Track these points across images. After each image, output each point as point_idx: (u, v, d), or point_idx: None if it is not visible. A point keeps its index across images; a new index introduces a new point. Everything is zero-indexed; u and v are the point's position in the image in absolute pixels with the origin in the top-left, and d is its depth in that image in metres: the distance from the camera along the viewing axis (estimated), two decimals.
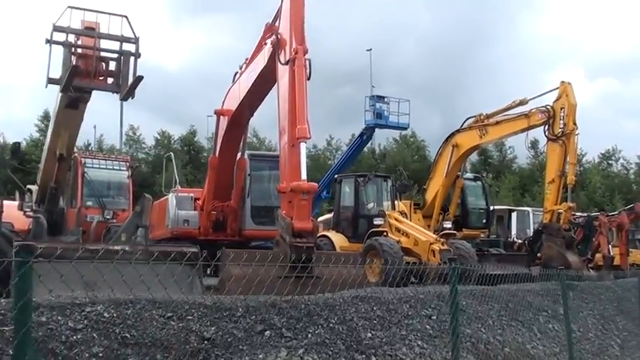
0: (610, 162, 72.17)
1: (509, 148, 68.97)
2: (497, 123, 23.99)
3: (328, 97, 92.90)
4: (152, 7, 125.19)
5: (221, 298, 9.64)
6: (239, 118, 19.31)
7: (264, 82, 16.88)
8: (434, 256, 19.18)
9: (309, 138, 14.20)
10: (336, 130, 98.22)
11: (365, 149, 65.02)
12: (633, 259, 32.74)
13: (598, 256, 28.02)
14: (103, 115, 72.35)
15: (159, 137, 69.51)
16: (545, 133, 21.80)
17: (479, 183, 28.50)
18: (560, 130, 21.24)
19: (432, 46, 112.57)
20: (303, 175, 13.79)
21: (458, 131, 25.46)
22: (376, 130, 39.22)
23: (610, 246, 29.04)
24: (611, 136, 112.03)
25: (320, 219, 27.02)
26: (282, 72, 15.15)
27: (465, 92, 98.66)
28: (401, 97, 39.23)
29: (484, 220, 27.47)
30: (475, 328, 11.74)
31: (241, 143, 20.86)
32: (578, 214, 32.24)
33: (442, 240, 19.74)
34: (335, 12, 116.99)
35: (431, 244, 19.46)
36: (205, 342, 8.45)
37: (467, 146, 25.01)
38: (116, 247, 12.32)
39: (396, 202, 23.61)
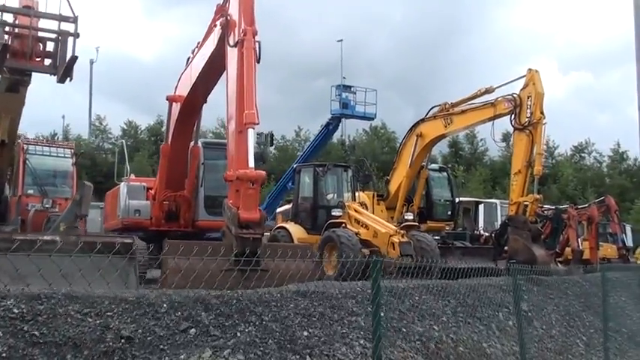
0: (583, 155, 71.93)
1: (481, 140, 68.42)
2: (463, 112, 23.25)
3: (303, 90, 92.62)
4: None
5: (146, 292, 8.84)
6: (191, 104, 18.49)
7: (214, 66, 16.10)
8: (393, 249, 18.45)
9: (258, 124, 13.50)
10: (310, 122, 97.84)
11: (335, 140, 64.44)
12: (604, 253, 32.32)
13: (568, 250, 27.59)
14: (74, 106, 71.48)
15: (125, 127, 68.46)
16: (511, 122, 21.03)
17: (444, 174, 27.77)
18: (526, 119, 20.45)
19: (406, 38, 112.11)
20: (251, 163, 13.12)
21: (422, 120, 24.72)
22: (344, 120, 38.57)
23: (580, 240, 28.67)
24: (585, 130, 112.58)
25: (279, 210, 26.30)
26: (231, 55, 14.47)
27: (438, 85, 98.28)
28: (375, 89, 38.49)
29: (449, 212, 26.80)
30: (427, 326, 10.99)
31: (194, 130, 20.04)
32: (547, 206, 31.79)
33: (402, 232, 19.00)
34: (310, 5, 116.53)
35: (390, 236, 18.71)
36: (122, 341, 7.66)
37: (431, 136, 24.25)
38: (46, 238, 11.55)
39: (357, 192, 22.82)
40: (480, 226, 31.33)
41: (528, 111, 20.50)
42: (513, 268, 9.15)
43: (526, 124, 20.43)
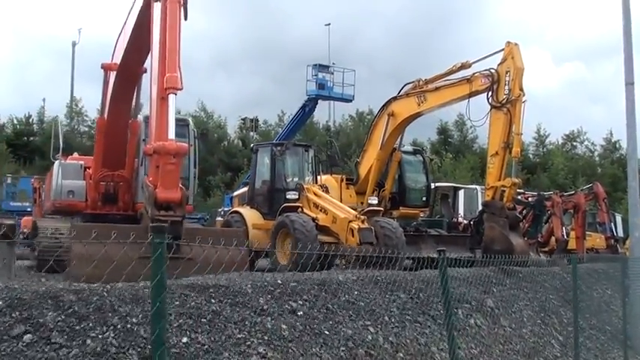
0: (574, 144, 70.54)
1: (471, 127, 66.70)
2: (437, 89, 21.29)
3: (298, 79, 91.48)
4: None
5: None
6: (127, 72, 16.49)
7: (143, 26, 14.19)
8: (352, 236, 16.69)
9: (181, 89, 11.76)
10: None
11: (320, 126, 62.83)
12: (592, 243, 30.90)
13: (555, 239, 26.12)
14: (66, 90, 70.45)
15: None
16: (488, 100, 19.16)
17: (419, 157, 25.66)
18: (504, 96, 18.63)
19: (401, 30, 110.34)
20: (171, 134, 11.35)
21: (394, 98, 22.74)
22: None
23: (567, 228, 27.27)
24: (578, 121, 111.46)
25: (235, 193, 24.38)
26: (156, 11, 12.71)
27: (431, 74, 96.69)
28: (353, 69, 36.56)
29: (424, 198, 24.80)
30: (360, 327, 9.06)
31: (134, 103, 18.08)
32: (530, 192, 30.27)
33: (363, 217, 17.18)
34: None
35: (350, 221, 16.93)
36: None
37: (404, 115, 22.20)
38: None
39: (319, 174, 21.01)
40: (459, 213, 29.49)
41: (506, 87, 18.72)
42: (441, 257, 7.21)
43: (504, 101, 18.64)
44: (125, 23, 16.21)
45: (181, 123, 18.01)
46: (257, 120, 61.47)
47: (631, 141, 18.01)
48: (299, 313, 8.41)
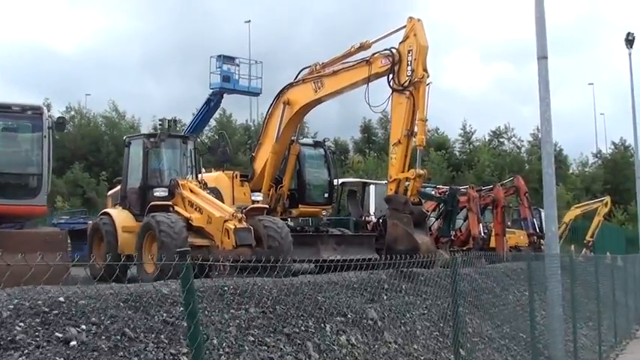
0: (501, 140, 70.15)
1: None
2: (335, 73, 19.16)
3: None
4: None
5: None
6: None
7: None
8: (228, 238, 14.53)
9: None
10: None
11: (236, 125, 60.67)
12: (515, 240, 29.49)
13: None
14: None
15: None
16: (389, 83, 17.23)
17: (320, 150, 23.35)
18: (407, 78, 16.75)
19: (330, 29, 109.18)
20: None
21: (291, 85, 20.57)
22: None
23: (489, 225, 25.88)
24: (506, 119, 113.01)
25: (109, 192, 21.87)
26: None
27: None
28: (261, 61, 34.06)
29: (326, 195, 22.59)
30: (167, 358, 6.77)
31: None
32: (444, 187, 28.80)
33: (241, 216, 14.97)
34: None
35: (225, 221, 14.73)
36: None
37: (300, 103, 20.01)
38: None
39: (200, 169, 18.78)
40: (370, 211, 27.49)
41: (409, 68, 16.83)
42: (186, 264, 4.95)
43: (406, 83, 16.81)
44: None
45: (35, 112, 15.69)
46: (175, 121, 58.98)
47: (545, 122, 15.90)
48: (72, 344, 6.11)
